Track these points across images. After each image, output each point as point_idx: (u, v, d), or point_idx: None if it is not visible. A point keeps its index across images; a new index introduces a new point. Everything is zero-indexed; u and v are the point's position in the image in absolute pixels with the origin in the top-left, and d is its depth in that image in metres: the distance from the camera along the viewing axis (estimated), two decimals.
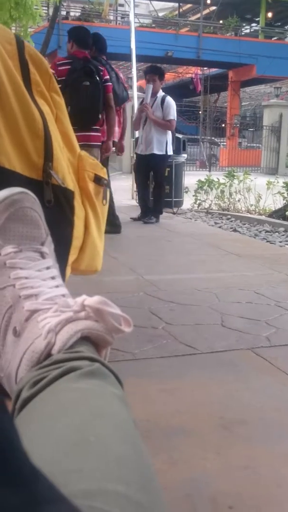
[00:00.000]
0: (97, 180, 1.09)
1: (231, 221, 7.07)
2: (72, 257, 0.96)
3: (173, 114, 6.11)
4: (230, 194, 7.90)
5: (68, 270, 0.96)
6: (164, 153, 6.14)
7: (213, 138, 23.59)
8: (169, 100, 6.13)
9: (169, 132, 6.23)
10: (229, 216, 7.34)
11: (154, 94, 6.12)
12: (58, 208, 0.94)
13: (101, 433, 0.41)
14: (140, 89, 11.44)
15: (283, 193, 6.99)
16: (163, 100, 6.10)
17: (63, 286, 0.65)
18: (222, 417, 1.64)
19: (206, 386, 1.86)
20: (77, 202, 1.00)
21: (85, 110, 4.33)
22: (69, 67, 4.48)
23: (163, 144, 6.12)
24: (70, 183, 0.99)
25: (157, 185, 6.34)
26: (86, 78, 4.48)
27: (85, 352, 0.54)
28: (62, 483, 0.34)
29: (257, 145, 26.05)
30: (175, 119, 6.21)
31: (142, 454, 0.41)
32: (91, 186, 1.07)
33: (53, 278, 0.64)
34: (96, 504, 0.31)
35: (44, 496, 0.26)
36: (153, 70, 6.26)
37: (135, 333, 2.36)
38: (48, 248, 0.67)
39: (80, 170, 1.06)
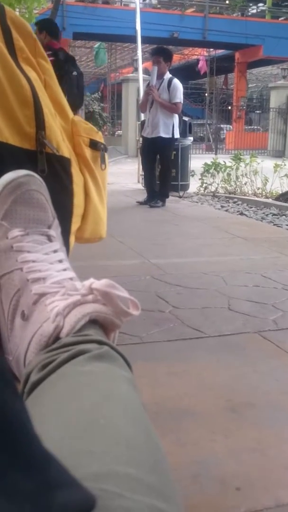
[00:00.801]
0: (93, 145, 1.07)
1: (238, 204, 7.03)
2: (74, 225, 0.95)
3: (179, 96, 6.03)
4: (237, 177, 7.85)
5: (72, 239, 0.95)
6: (170, 136, 6.09)
7: (219, 125, 23.38)
8: (176, 82, 6.05)
9: (176, 115, 6.17)
10: (235, 200, 7.30)
11: (161, 76, 6.05)
12: (55, 177, 0.92)
13: (110, 415, 0.41)
14: (146, 71, 11.32)
15: None
16: (169, 82, 6.03)
17: (71, 269, 0.64)
18: (229, 399, 1.64)
19: (213, 369, 1.87)
20: (75, 170, 0.98)
21: (76, 100, 4.33)
22: (53, 58, 4.46)
23: (170, 127, 6.06)
24: (66, 151, 0.97)
25: (163, 169, 6.30)
26: (74, 68, 4.48)
27: (93, 335, 0.53)
28: (73, 466, 0.34)
29: (257, 127, 25.83)
30: (182, 102, 6.15)
31: (152, 436, 0.41)
32: (87, 151, 1.05)
33: (60, 261, 0.63)
34: (108, 487, 0.31)
35: (56, 481, 0.26)
36: (158, 52, 6.18)
37: (142, 317, 2.36)
38: (55, 231, 0.66)
39: (74, 136, 1.04)
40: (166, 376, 1.80)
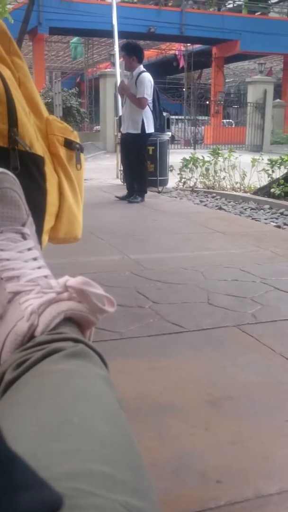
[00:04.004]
0: (68, 144, 1.06)
1: (217, 199, 7.06)
2: (48, 224, 0.94)
3: (142, 91, 5.84)
4: (215, 172, 7.88)
5: (45, 238, 0.94)
6: (138, 132, 5.99)
7: (197, 117, 23.42)
8: (142, 77, 5.89)
9: (147, 110, 6.05)
10: (214, 194, 7.32)
11: (130, 71, 5.99)
12: (28, 175, 0.91)
13: (85, 414, 0.41)
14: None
15: (268, 170, 6.99)
16: (138, 77, 5.95)
17: (46, 267, 0.64)
18: (209, 393, 1.66)
19: (193, 364, 1.88)
20: (48, 168, 0.98)
21: None
22: None
23: (138, 123, 5.95)
24: (39, 149, 0.96)
25: (137, 164, 6.22)
26: None
27: (68, 333, 0.53)
28: (46, 465, 0.34)
29: (229, 121, 25.90)
30: (147, 97, 5.91)
31: (127, 433, 0.41)
32: (62, 151, 1.04)
33: (35, 259, 0.63)
34: (81, 486, 0.31)
35: (21, 481, 0.26)
36: (122, 47, 6.13)
37: (122, 313, 2.36)
38: (30, 229, 0.66)
39: (49, 135, 1.03)
40: (146, 372, 1.81)
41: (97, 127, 22.79)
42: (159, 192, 7.24)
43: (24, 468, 0.27)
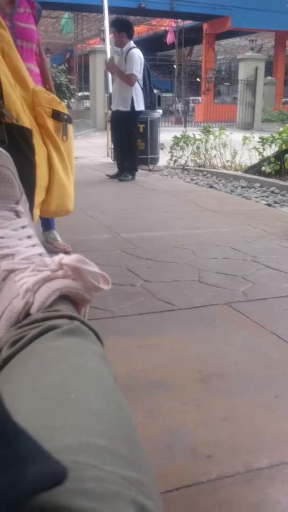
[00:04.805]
0: (56, 115, 1.04)
1: (207, 177, 7.04)
2: (39, 198, 0.93)
3: (131, 68, 5.75)
4: (206, 150, 7.84)
5: (37, 212, 0.94)
6: (128, 109, 5.92)
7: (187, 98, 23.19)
8: (132, 53, 5.78)
9: (137, 87, 5.97)
10: (205, 173, 7.30)
11: (120, 47, 5.90)
12: (16, 148, 0.90)
13: (81, 390, 0.41)
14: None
15: (259, 148, 6.97)
16: (127, 53, 5.85)
17: (40, 245, 0.64)
18: (200, 371, 1.67)
19: (184, 341, 1.89)
20: (36, 140, 0.96)
21: None
22: None
23: (128, 100, 5.87)
24: (26, 121, 0.95)
25: (128, 142, 6.16)
26: None
27: (64, 311, 0.53)
28: (44, 439, 0.34)
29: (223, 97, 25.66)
30: (136, 74, 5.81)
31: (123, 409, 0.42)
32: (49, 122, 1.02)
33: (29, 237, 0.63)
34: (80, 459, 0.31)
35: (26, 454, 0.26)
36: (112, 23, 6.03)
37: (114, 291, 2.37)
38: (23, 206, 0.65)
39: (36, 107, 1.01)
40: (138, 349, 1.82)
41: (87, 104, 22.52)
42: (150, 170, 7.20)
43: (29, 441, 0.27)
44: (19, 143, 0.94)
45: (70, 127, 1.12)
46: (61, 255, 0.58)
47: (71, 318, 0.53)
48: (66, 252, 2.08)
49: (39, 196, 0.96)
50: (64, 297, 0.57)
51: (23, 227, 0.63)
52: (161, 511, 0.32)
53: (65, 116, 1.09)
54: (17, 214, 0.63)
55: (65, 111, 1.11)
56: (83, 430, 0.36)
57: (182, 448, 1.29)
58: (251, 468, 1.21)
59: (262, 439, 1.33)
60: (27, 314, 0.54)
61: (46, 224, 3.04)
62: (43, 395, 0.41)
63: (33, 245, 0.62)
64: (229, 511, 1.09)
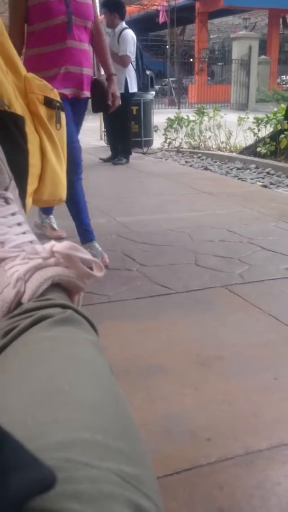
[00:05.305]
0: (48, 103, 1.02)
1: (202, 159, 7.00)
2: (31, 186, 0.91)
3: (125, 49, 5.69)
4: (201, 131, 7.78)
5: (29, 200, 0.92)
6: (122, 91, 5.84)
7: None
8: (124, 34, 5.72)
9: (130, 69, 5.89)
10: (200, 155, 7.26)
11: (112, 28, 5.81)
12: (9, 136, 0.88)
13: (76, 381, 0.40)
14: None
15: (254, 129, 6.92)
16: (120, 34, 5.77)
17: (31, 232, 0.62)
18: (198, 354, 1.67)
19: (182, 325, 1.89)
20: (29, 128, 0.94)
21: None
22: None
23: (121, 82, 5.77)
24: (19, 108, 0.92)
25: (121, 125, 6.09)
26: None
27: (56, 300, 0.52)
28: (37, 435, 0.33)
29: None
30: (130, 55, 5.75)
31: (119, 400, 0.40)
32: (42, 109, 1.00)
33: (19, 224, 0.61)
34: (73, 456, 0.30)
35: (13, 462, 0.25)
36: (104, 4, 5.93)
37: (110, 276, 2.36)
38: (13, 193, 0.63)
39: (28, 94, 0.99)
40: (135, 334, 1.81)
41: None
42: (144, 153, 7.15)
43: (16, 447, 0.26)
44: (11, 130, 0.92)
45: (63, 115, 1.10)
46: (52, 242, 0.56)
47: (63, 306, 0.51)
48: (61, 239, 2.06)
49: (31, 184, 0.94)
50: (57, 285, 0.55)
51: (12, 214, 0.61)
52: (159, 507, 0.31)
53: (58, 104, 1.07)
54: (6, 201, 0.62)
55: (58, 98, 1.08)
56: (78, 425, 0.35)
57: (181, 431, 1.29)
58: (250, 450, 1.21)
59: (261, 421, 1.33)
60: (19, 304, 0.52)
61: (47, 208, 2.91)
62: (36, 388, 0.40)
63: (24, 232, 0.61)
64: (229, 493, 1.09)
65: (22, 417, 0.35)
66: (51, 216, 3.01)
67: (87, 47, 2.48)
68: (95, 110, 2.74)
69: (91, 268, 0.56)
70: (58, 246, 0.55)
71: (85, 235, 2.55)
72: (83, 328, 0.50)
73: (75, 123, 2.54)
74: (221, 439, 1.26)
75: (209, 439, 1.26)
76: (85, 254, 0.55)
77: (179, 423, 1.32)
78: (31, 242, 0.60)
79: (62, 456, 0.30)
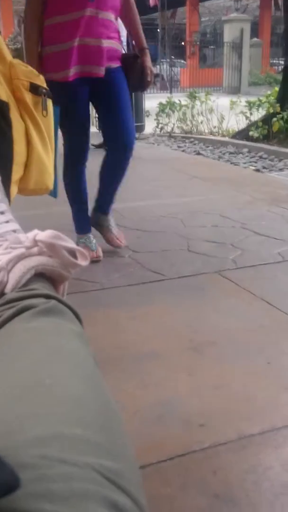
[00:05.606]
0: (34, 89, 1.00)
1: (194, 144, 6.96)
2: (16, 174, 0.90)
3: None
4: (193, 116, 7.72)
5: (14, 189, 0.90)
6: None
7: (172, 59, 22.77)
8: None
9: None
10: (192, 139, 7.21)
11: None
12: None
13: (57, 373, 0.39)
14: None
15: (246, 112, 6.87)
16: None
17: (14, 221, 0.61)
18: (191, 339, 1.67)
19: (175, 311, 1.88)
20: (14, 115, 0.92)
21: None
22: None
23: None
24: (3, 94, 0.90)
25: None
26: None
27: (40, 289, 0.51)
28: (16, 430, 0.32)
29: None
30: (122, 39, 5.73)
31: (102, 392, 0.40)
32: (27, 96, 0.98)
33: (2, 213, 0.60)
34: (51, 452, 0.30)
35: None
36: None
37: (102, 263, 2.35)
38: None
39: (13, 80, 0.97)
40: (128, 321, 1.81)
41: None
42: (135, 138, 7.10)
43: None
44: None
45: (50, 102, 1.07)
46: (35, 231, 0.55)
47: (47, 297, 0.50)
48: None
49: (16, 173, 0.92)
50: (40, 275, 0.54)
51: None
52: (138, 501, 0.30)
53: (44, 90, 1.04)
54: None
55: (44, 85, 1.06)
56: (58, 419, 0.34)
57: (175, 417, 1.29)
58: (243, 435, 1.22)
59: (254, 406, 1.33)
60: (1, 294, 0.51)
61: (103, 205, 2.52)
62: (17, 381, 0.39)
63: (7, 221, 0.59)
64: (223, 478, 1.09)
65: (1, 412, 0.34)
66: (110, 217, 2.53)
67: (111, 17, 2.23)
68: (134, 89, 2.51)
69: (75, 257, 0.55)
70: (41, 235, 0.54)
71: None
72: (67, 319, 0.49)
73: (114, 100, 2.34)
74: (214, 425, 1.26)
75: (202, 425, 1.26)
76: (68, 243, 0.54)
77: (172, 409, 1.32)
78: (14, 231, 0.59)
79: (39, 452, 0.29)
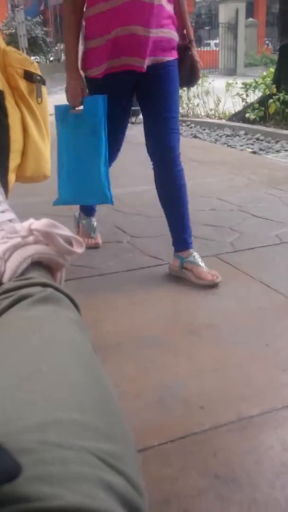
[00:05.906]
0: (28, 76, 1.00)
1: (191, 127, 6.93)
2: (13, 162, 0.90)
3: None
4: (189, 99, 7.68)
5: (12, 177, 0.90)
6: None
7: None
8: None
9: None
10: (188, 122, 7.18)
11: None
12: None
13: (55, 360, 0.40)
14: None
15: (242, 94, 6.83)
16: None
17: (10, 210, 0.61)
18: (190, 323, 1.68)
19: (173, 295, 1.89)
20: (9, 103, 0.92)
21: None
22: None
23: None
24: None
25: None
26: None
27: (36, 278, 0.51)
28: (15, 417, 0.33)
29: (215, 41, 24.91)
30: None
31: (100, 378, 0.40)
32: (22, 83, 0.98)
33: None
34: (49, 437, 0.30)
35: None
36: None
37: (101, 249, 2.35)
38: None
39: (7, 67, 0.97)
40: (127, 306, 1.82)
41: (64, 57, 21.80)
42: (132, 123, 7.05)
43: None
44: None
45: (44, 89, 1.07)
46: (31, 220, 0.55)
47: (44, 285, 0.51)
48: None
49: (13, 160, 0.93)
50: (37, 264, 0.55)
51: None
52: (134, 481, 0.31)
53: (38, 77, 1.04)
54: None
55: (38, 72, 1.06)
56: (56, 405, 0.34)
57: (175, 400, 1.31)
58: (243, 416, 1.23)
59: (253, 388, 1.34)
60: None
61: (182, 241, 2.09)
62: (15, 369, 0.39)
63: (2, 211, 0.60)
64: (223, 459, 1.11)
65: (1, 400, 0.35)
66: (194, 252, 2.09)
67: (164, 3, 1.89)
68: (182, 84, 2.16)
69: (71, 245, 0.55)
70: (36, 224, 0.54)
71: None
72: (64, 306, 0.49)
73: (157, 104, 2.10)
74: (214, 407, 1.28)
75: (202, 407, 1.27)
76: (64, 230, 0.54)
77: (172, 392, 1.34)
78: (10, 220, 0.59)
79: (37, 437, 0.30)
